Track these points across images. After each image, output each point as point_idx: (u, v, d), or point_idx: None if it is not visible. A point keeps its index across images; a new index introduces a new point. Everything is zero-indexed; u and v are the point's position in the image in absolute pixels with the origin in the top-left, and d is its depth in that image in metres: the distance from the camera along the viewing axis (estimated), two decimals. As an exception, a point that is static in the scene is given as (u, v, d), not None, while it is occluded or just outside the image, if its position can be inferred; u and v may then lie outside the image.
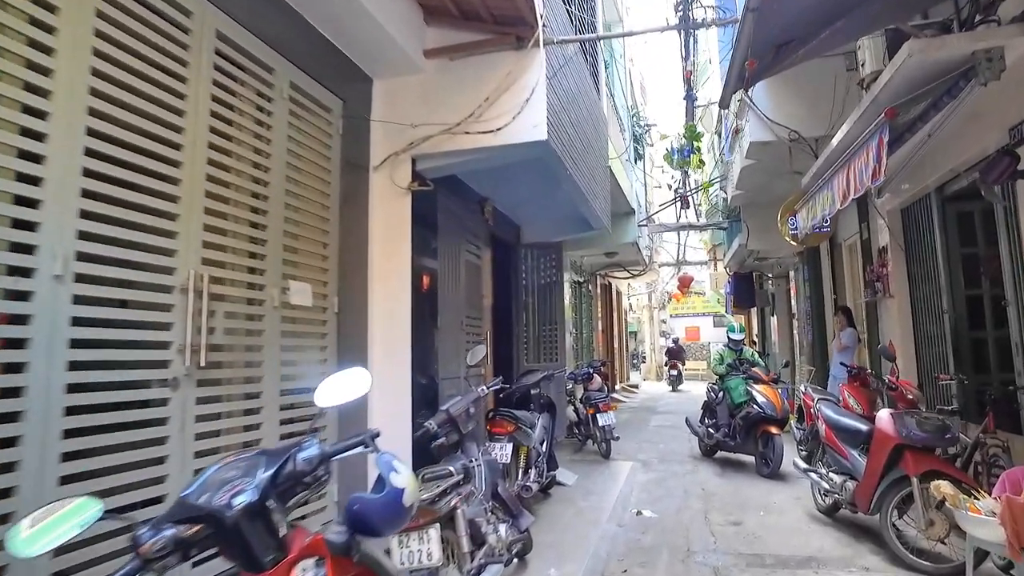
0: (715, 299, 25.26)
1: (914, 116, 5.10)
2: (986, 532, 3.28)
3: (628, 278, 15.29)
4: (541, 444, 5.82)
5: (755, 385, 7.27)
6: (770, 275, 13.72)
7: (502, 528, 3.72)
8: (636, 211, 11.67)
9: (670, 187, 12.25)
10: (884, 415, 4.45)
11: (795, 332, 12.15)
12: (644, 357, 30.06)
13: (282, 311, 3.74)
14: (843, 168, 5.39)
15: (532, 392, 5.90)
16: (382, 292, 4.75)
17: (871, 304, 7.38)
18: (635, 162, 12.54)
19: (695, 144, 9.08)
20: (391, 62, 4.80)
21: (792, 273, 12.30)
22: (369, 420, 4.53)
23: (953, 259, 6.04)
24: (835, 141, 5.86)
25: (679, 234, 14.85)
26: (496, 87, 4.82)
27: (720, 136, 13.94)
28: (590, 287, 14.45)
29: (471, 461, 3.90)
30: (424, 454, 4.04)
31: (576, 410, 8.90)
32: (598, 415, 8.03)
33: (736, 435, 7.32)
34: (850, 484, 4.76)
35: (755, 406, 7.07)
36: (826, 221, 6.30)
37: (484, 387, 4.14)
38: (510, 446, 4.74)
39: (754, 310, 16.12)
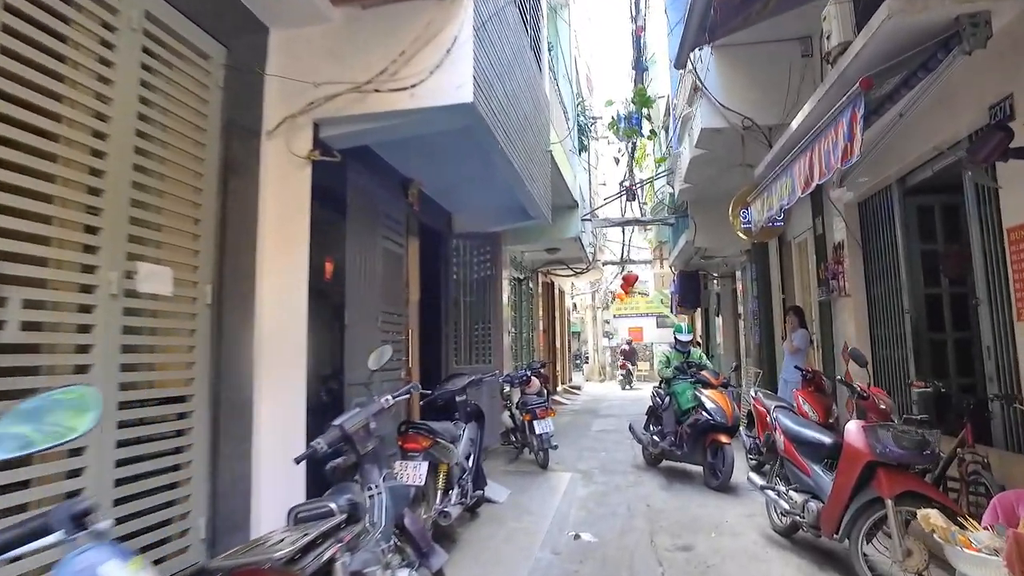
0: (659, 299, 25.09)
1: (882, 95, 4.60)
2: (987, 573, 2.72)
3: (571, 276, 14.73)
4: (467, 459, 5.08)
5: (704, 390, 6.73)
6: (716, 275, 13.39)
7: (404, 575, 2.97)
8: (580, 205, 11.09)
9: (621, 185, 11.72)
10: (853, 428, 3.90)
11: (741, 333, 11.81)
12: (587, 357, 29.76)
13: (124, 301, 2.88)
14: (805, 152, 4.86)
15: (457, 399, 5.15)
16: (274, 280, 3.93)
17: (825, 303, 6.95)
18: (579, 154, 11.97)
19: (645, 109, 8.30)
20: (292, 8, 4.02)
21: (739, 273, 11.96)
22: (255, 437, 3.70)
23: (913, 256, 5.62)
24: (795, 124, 5.34)
25: (624, 231, 14.40)
26: (414, 39, 4.06)
27: (667, 131, 13.55)
28: (531, 285, 13.81)
29: (370, 489, 3.14)
30: (322, 480, 3.26)
31: (512, 416, 8.21)
32: (535, 422, 7.35)
33: (683, 444, 6.76)
34: (813, 505, 4.20)
35: (704, 413, 6.52)
36: (781, 213, 5.80)
37: (389, 397, 3.37)
38: (425, 465, 3.98)
39: (699, 311, 15.82)
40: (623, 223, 11.77)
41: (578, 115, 11.80)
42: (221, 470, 3.47)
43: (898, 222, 5.65)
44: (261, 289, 3.86)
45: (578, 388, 21.07)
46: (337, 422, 3.22)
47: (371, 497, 3.11)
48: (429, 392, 5.18)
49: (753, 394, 7.17)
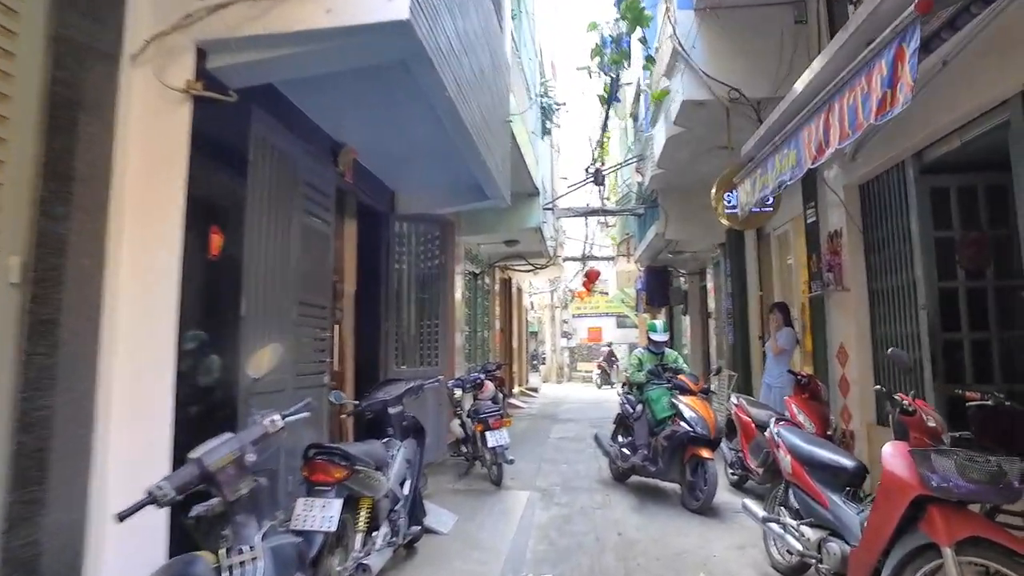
0: (619, 299, 24.41)
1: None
2: None
3: (530, 271, 13.81)
4: (402, 485, 4.08)
5: (682, 397, 5.86)
6: (684, 271, 12.65)
7: None
8: (541, 193, 10.18)
9: (587, 171, 10.81)
10: (896, 452, 3.04)
11: (712, 334, 11.07)
12: (544, 358, 28.94)
13: None
14: (819, 112, 4.02)
15: (390, 411, 4.14)
16: (134, 254, 2.87)
17: (817, 300, 6.18)
18: (543, 137, 11.06)
19: (639, 30, 6.98)
20: None
21: (710, 269, 11.22)
22: (93, 476, 2.62)
23: (929, 244, 4.86)
24: (800, 85, 4.51)
25: (586, 224, 13.54)
26: (333, -65, 3.07)
27: (635, 120, 12.76)
28: (487, 280, 12.84)
29: (240, 552, 2.14)
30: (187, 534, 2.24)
31: (463, 425, 7.23)
32: (488, 433, 6.39)
33: (658, 459, 5.89)
34: (835, 546, 3.34)
35: (682, 424, 5.65)
36: (771, 198, 4.97)
37: (277, 417, 2.36)
38: (338, 503, 2.96)
39: (663, 310, 15.10)
40: (588, 213, 10.87)
41: (541, 95, 10.89)
42: (40, 523, 2.39)
43: (913, 205, 4.87)
44: (114, 265, 2.79)
45: (535, 390, 20.19)
46: (195, 454, 2.21)
47: (240, 566, 2.10)
48: (357, 403, 4.16)
49: (735, 401, 6.38)
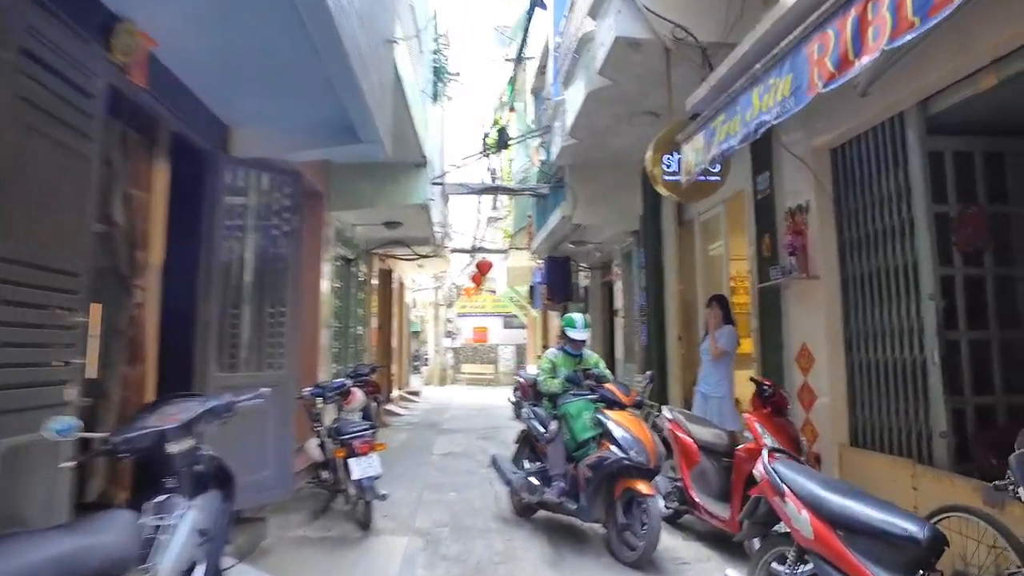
0: (508, 297, 23.18)
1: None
2: None
3: (414, 259, 12.11)
4: (190, 573, 2.38)
5: (610, 413, 4.51)
6: (584, 265, 11.49)
7: None
8: (429, 165, 8.59)
9: (485, 141, 9.28)
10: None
11: (619, 333, 9.94)
12: (427, 359, 27.19)
13: None
14: (838, 15, 2.78)
15: (170, 450, 2.41)
16: None
17: (769, 292, 5.08)
18: (435, 101, 9.46)
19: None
20: None
21: (618, 262, 10.09)
22: None
23: (931, 218, 3.82)
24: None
25: (479, 211, 12.07)
26: None
27: (537, 96, 11.48)
28: (363, 269, 11.03)
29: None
30: None
31: (323, 445, 5.52)
32: (352, 461, 4.75)
33: (579, 493, 4.51)
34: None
35: (612, 448, 4.30)
36: (750, 140, 3.73)
37: None
38: None
39: (564, 306, 13.92)
40: (484, 190, 9.34)
41: (434, 51, 9.29)
42: None
43: (915, 169, 3.82)
44: None
45: (417, 394, 18.46)
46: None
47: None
48: (108, 438, 2.40)
49: (668, 415, 5.13)
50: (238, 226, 4.54)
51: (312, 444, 5.75)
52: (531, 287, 15.15)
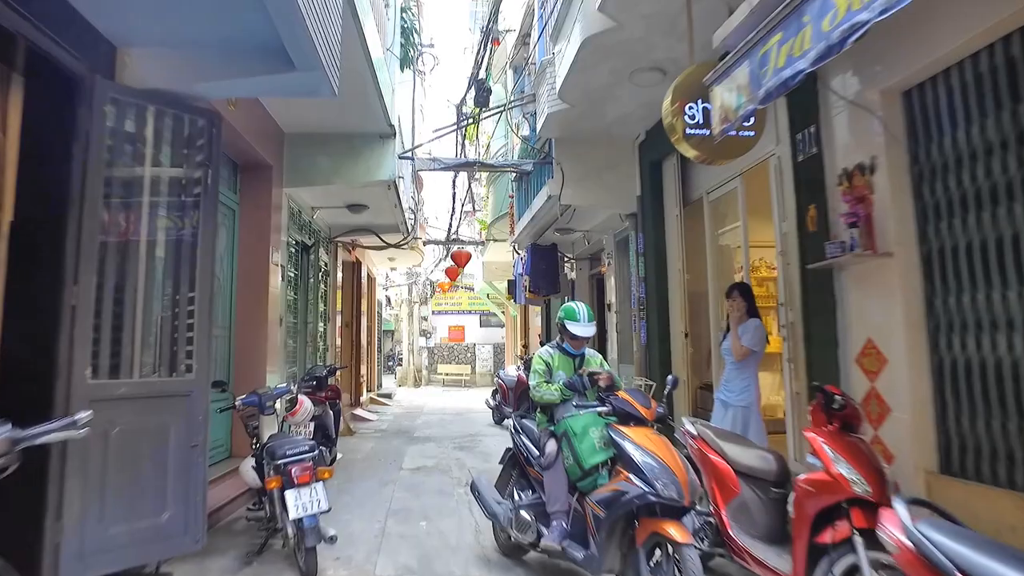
0: (486, 293, 22.06)
1: None
2: None
3: (383, 248, 10.95)
4: None
5: (626, 430, 3.45)
6: (570, 256, 10.44)
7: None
8: (398, 136, 7.48)
9: (459, 105, 8.08)
10: None
11: (612, 332, 8.90)
12: (400, 359, 25.98)
13: None
14: None
15: None
16: None
17: (818, 275, 4.06)
18: (403, 68, 8.33)
19: None
20: None
21: (608, 252, 9.04)
22: None
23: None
24: None
25: (454, 197, 10.92)
26: None
27: (517, 72, 10.41)
28: (325, 258, 9.86)
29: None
30: None
31: (260, 468, 4.40)
32: (290, 494, 3.64)
33: (587, 537, 3.45)
34: None
35: (633, 478, 3.24)
36: (822, 63, 2.71)
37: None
38: None
39: (533, 305, 12.84)
40: (460, 166, 8.19)
41: (403, 7, 8.16)
42: None
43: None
44: None
45: (389, 396, 17.27)
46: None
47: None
48: None
49: (691, 430, 4.10)
50: (127, 181, 3.37)
51: (247, 466, 4.63)
52: (510, 281, 14.06)
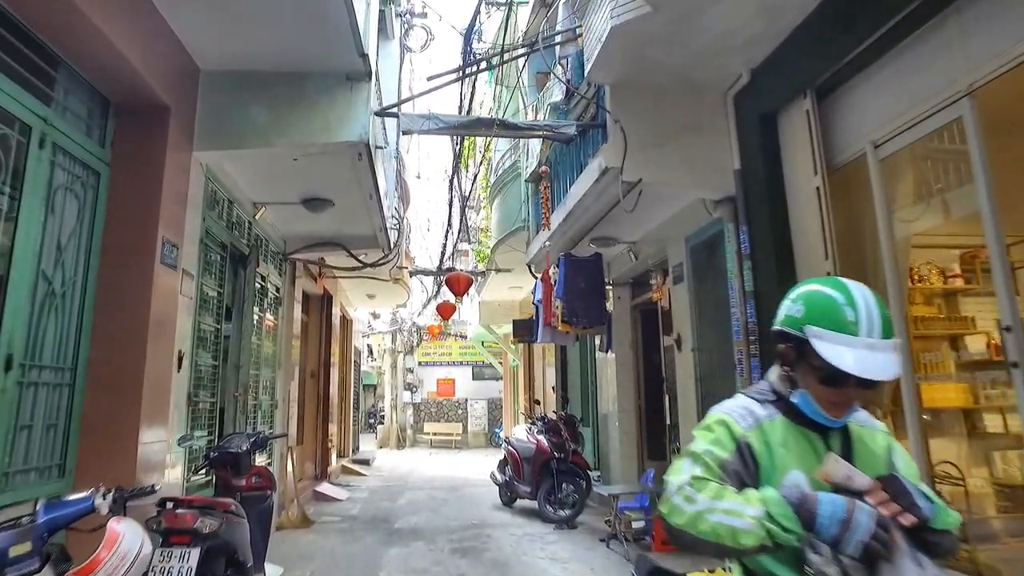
0: (480, 340, 19.29)
1: None
2: None
3: (357, 273, 8.31)
4: None
5: None
6: (609, 283, 7.75)
7: None
8: (372, 78, 4.99)
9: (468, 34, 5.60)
10: None
11: (687, 381, 6.08)
12: (383, 417, 22.96)
13: None
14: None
15: None
16: None
17: None
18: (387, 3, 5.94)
19: None
20: None
21: (674, 267, 6.37)
22: None
23: None
24: None
25: (451, 200, 8.30)
26: None
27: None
28: (276, 280, 7.21)
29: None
30: None
31: None
32: None
33: None
34: None
35: None
36: None
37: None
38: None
39: (561, 343, 10.12)
40: (469, 125, 5.49)
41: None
42: None
43: None
44: None
45: (367, 462, 14.31)
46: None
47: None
48: None
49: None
50: None
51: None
52: (516, 321, 11.39)
